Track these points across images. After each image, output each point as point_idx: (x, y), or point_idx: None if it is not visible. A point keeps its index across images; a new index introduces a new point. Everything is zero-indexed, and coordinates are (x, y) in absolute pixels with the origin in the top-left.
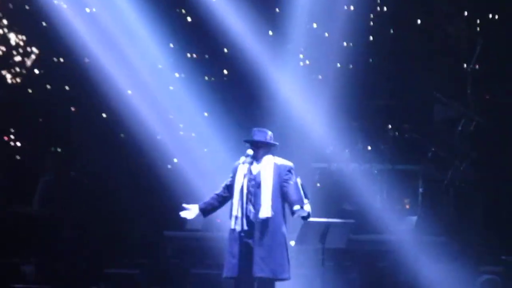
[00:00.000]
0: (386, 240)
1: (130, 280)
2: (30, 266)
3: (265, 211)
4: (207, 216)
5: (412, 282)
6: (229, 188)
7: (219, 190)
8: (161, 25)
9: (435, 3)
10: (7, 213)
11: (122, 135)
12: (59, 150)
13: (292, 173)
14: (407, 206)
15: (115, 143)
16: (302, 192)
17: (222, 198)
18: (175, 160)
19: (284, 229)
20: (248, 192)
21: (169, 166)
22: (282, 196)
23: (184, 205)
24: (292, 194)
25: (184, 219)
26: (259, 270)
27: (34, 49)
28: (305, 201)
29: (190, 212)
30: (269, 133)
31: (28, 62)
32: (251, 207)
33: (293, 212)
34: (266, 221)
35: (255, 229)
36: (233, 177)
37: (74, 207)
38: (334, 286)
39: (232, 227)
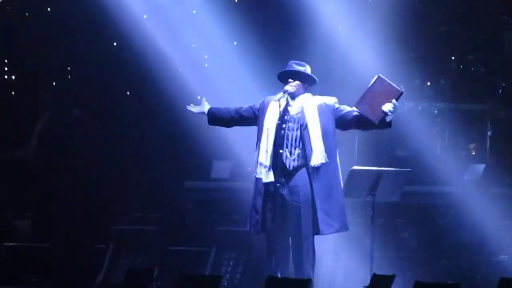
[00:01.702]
0: (447, 192)
1: (144, 238)
2: (25, 221)
3: (318, 156)
4: (211, 123)
5: (479, 242)
6: (248, 115)
7: (238, 106)
8: None
9: None
10: None
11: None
12: (59, 85)
13: (341, 107)
14: (473, 152)
15: (127, 77)
16: None
17: (238, 116)
18: (199, 97)
19: (340, 175)
20: (285, 136)
21: (191, 105)
22: (334, 137)
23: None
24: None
25: (209, 168)
26: (327, 227)
27: None
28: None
29: (197, 107)
30: (307, 66)
31: None
32: (288, 153)
33: (382, 118)
34: (319, 168)
35: (304, 179)
36: (260, 113)
37: (77, 151)
38: (385, 247)
39: (258, 176)
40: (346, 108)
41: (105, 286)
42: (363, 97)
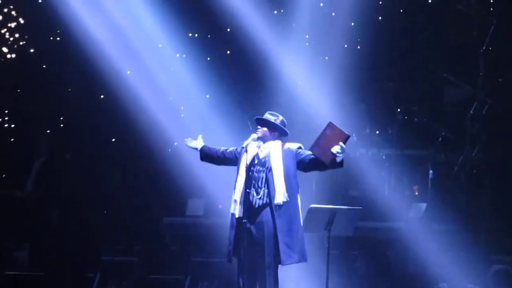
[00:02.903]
0: (394, 227)
1: (128, 267)
2: (23, 251)
3: (281, 196)
4: (202, 159)
5: (421, 272)
6: (231, 156)
7: (225, 148)
8: (163, 3)
9: None
10: None
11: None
12: (53, 132)
13: (302, 149)
14: (416, 193)
15: (112, 126)
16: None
17: (223, 156)
18: (176, 143)
19: (300, 212)
20: (253, 177)
21: (169, 150)
22: (295, 178)
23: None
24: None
25: (184, 205)
26: (288, 258)
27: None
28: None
29: (193, 142)
30: (281, 117)
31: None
32: (254, 193)
33: (333, 160)
34: (281, 206)
35: (268, 215)
36: (239, 157)
37: (68, 190)
38: (340, 276)
39: (231, 211)
40: (305, 152)
41: None
42: (316, 141)
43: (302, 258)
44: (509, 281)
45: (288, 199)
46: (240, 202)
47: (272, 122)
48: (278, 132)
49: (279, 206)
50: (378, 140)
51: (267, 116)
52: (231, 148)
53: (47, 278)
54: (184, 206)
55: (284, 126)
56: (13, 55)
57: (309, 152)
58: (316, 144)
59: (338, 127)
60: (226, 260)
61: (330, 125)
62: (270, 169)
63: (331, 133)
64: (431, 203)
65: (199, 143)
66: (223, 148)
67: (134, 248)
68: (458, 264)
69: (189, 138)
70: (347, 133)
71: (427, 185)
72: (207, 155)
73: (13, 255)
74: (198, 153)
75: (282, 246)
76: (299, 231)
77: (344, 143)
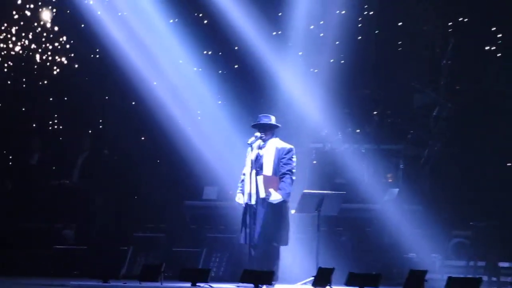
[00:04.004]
0: (372, 208)
1: (155, 242)
2: (70, 230)
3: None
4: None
5: (395, 244)
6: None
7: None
8: (183, 27)
9: (414, 8)
10: (51, 185)
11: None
12: (94, 132)
13: (290, 155)
14: (390, 180)
15: (142, 126)
16: (286, 183)
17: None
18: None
19: (284, 203)
20: (256, 173)
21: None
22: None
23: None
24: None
25: (201, 191)
26: (260, 235)
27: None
28: (276, 194)
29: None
30: (273, 117)
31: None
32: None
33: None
34: (266, 199)
35: (259, 202)
36: (246, 155)
37: (107, 179)
38: (328, 248)
39: (247, 201)
40: (282, 167)
41: (127, 277)
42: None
43: (279, 243)
44: (465, 251)
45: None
46: (250, 193)
47: (268, 125)
48: (274, 130)
49: (264, 199)
50: (359, 137)
51: (263, 120)
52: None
53: (89, 251)
54: (201, 192)
55: (275, 122)
56: (58, 70)
57: (283, 170)
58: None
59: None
60: (243, 241)
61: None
62: (261, 168)
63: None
64: (402, 188)
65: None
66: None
67: (160, 226)
68: (424, 238)
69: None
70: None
71: (398, 174)
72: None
73: (62, 233)
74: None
75: (260, 230)
76: (278, 221)
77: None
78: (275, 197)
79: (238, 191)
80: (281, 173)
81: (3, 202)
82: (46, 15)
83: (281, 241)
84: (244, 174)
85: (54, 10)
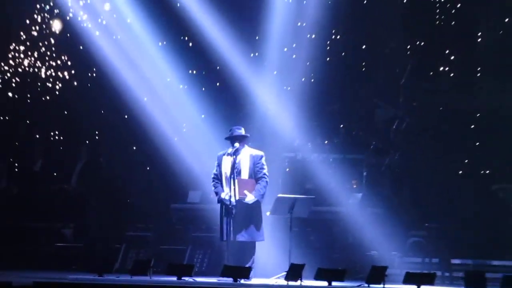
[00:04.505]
0: (338, 211)
1: (145, 240)
2: (69, 230)
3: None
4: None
5: (358, 243)
6: (219, 175)
7: (215, 173)
8: (171, 49)
9: (376, 33)
10: (52, 189)
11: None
12: (91, 142)
13: (263, 159)
14: (354, 186)
15: (133, 137)
16: (261, 185)
17: (220, 177)
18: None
19: (258, 203)
20: (232, 176)
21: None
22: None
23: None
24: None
25: (187, 193)
26: (240, 236)
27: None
28: (251, 196)
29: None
30: (243, 128)
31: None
32: (234, 188)
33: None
34: (242, 200)
35: (238, 204)
36: (219, 165)
37: (102, 184)
38: (299, 246)
39: (229, 203)
40: (258, 172)
41: (120, 270)
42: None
43: (254, 238)
44: (421, 249)
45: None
46: (232, 196)
47: (242, 136)
48: (246, 139)
49: (241, 199)
50: (327, 147)
51: (236, 132)
52: (215, 170)
53: (86, 248)
54: (186, 196)
55: (245, 133)
56: (59, 86)
57: (259, 174)
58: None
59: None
60: (222, 238)
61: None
62: (240, 173)
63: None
64: (365, 193)
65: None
66: (215, 177)
67: (149, 226)
68: (384, 237)
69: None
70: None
71: (362, 180)
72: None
73: (61, 232)
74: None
75: (237, 228)
76: (254, 219)
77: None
78: (250, 198)
79: (217, 189)
80: (258, 177)
81: (9, 203)
82: (53, 31)
83: (256, 237)
84: (215, 175)
85: (58, 31)
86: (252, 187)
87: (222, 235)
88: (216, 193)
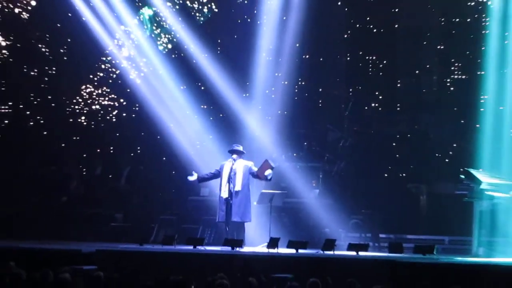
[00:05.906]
0: (303, 201)
1: (171, 222)
2: (120, 214)
3: (238, 186)
4: (199, 182)
5: (316, 223)
6: (215, 173)
7: (211, 171)
8: (189, 91)
9: (328, 80)
10: (108, 187)
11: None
12: (133, 157)
13: (253, 166)
14: (314, 184)
15: (164, 152)
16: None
17: (211, 175)
18: (193, 172)
19: (249, 194)
20: (230, 177)
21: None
22: (248, 179)
23: (191, 175)
24: (257, 171)
25: (199, 189)
26: (234, 216)
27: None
28: (270, 170)
29: (193, 177)
30: (241, 146)
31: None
32: (231, 185)
33: (266, 177)
34: (239, 191)
35: (233, 195)
36: (221, 169)
37: (142, 184)
38: (276, 226)
39: (222, 195)
40: (253, 169)
41: (154, 242)
42: (260, 168)
43: (244, 219)
44: (359, 227)
45: (243, 188)
46: (226, 190)
47: (239, 150)
48: (241, 153)
49: (239, 191)
50: (295, 158)
51: (235, 147)
52: (214, 170)
53: (132, 228)
54: (199, 191)
55: (242, 149)
56: (114, 114)
57: (255, 169)
58: (260, 169)
59: (269, 161)
60: (220, 220)
61: (266, 161)
62: (235, 174)
63: (266, 164)
64: (321, 189)
65: (194, 177)
66: (210, 172)
67: (174, 212)
68: (334, 219)
69: (190, 176)
70: (273, 165)
71: (319, 181)
72: (203, 179)
73: (114, 216)
74: (196, 180)
75: (233, 210)
76: (248, 203)
77: (272, 169)
78: (268, 172)
79: (201, 174)
80: (253, 171)
81: (79, 198)
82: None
83: (246, 219)
84: (214, 171)
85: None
86: (268, 166)
87: (219, 218)
88: (197, 175)
